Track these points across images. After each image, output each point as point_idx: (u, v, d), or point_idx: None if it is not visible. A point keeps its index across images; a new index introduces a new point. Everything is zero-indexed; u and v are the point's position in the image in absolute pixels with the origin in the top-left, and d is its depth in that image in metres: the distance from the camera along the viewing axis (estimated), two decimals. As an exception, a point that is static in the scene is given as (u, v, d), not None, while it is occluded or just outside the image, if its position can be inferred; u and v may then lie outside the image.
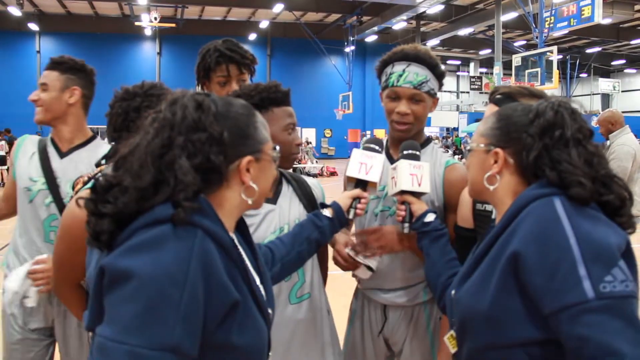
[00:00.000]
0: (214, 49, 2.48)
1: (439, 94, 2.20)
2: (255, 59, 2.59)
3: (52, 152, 2.50)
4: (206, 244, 1.08)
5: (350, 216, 1.87)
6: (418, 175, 1.91)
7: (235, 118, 1.21)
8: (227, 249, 1.14)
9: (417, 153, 1.97)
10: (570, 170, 1.26)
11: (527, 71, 19.16)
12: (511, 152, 1.38)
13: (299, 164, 22.91)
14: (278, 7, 25.16)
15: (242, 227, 1.37)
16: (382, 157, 1.97)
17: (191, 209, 1.07)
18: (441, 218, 2.06)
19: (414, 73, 2.07)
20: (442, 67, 2.17)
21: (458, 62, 41.62)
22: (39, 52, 29.80)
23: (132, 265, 1.01)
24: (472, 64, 40.45)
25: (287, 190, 2.04)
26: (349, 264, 2.05)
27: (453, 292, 1.45)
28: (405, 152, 1.97)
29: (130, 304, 1.00)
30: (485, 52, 35.44)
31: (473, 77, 36.64)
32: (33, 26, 28.57)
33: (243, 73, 2.51)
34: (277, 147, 1.30)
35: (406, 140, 2.03)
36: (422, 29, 30.93)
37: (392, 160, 2.13)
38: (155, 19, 25.85)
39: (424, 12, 25.95)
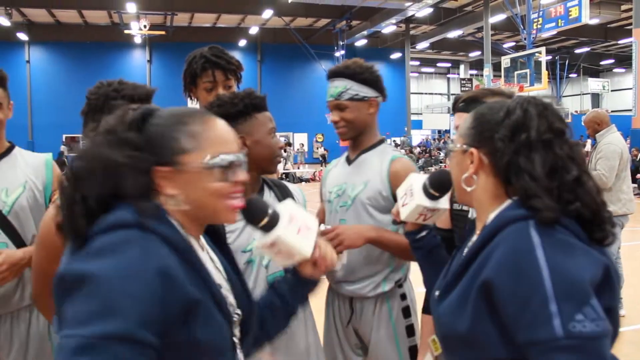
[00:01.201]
0: (199, 56, 2.53)
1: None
2: (241, 66, 2.63)
3: None
4: (161, 248, 1.12)
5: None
6: (408, 195, 1.72)
7: (156, 127, 1.22)
8: (181, 252, 1.16)
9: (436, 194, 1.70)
10: (529, 186, 1.23)
11: (516, 72, 19.32)
12: (485, 151, 1.33)
13: (297, 168, 22.92)
14: (267, 13, 25.22)
15: (215, 232, 1.41)
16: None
17: (149, 214, 1.13)
18: (390, 207, 2.16)
19: (334, 87, 2.40)
20: (369, 73, 2.40)
21: (448, 65, 41.82)
22: (28, 61, 29.72)
23: (89, 268, 1.04)
24: (462, 66, 40.66)
25: (269, 196, 2.10)
26: None
27: (437, 295, 1.41)
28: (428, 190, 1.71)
29: (86, 303, 1.02)
30: (475, 54, 35.64)
31: (463, 79, 36.77)
32: (22, 36, 28.49)
33: (229, 79, 2.55)
34: (209, 156, 1.22)
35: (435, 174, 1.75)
36: (412, 32, 31.07)
37: (349, 161, 2.49)
38: (145, 26, 25.86)
39: (413, 15, 26.08)
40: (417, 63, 38.48)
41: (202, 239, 1.33)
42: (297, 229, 1.43)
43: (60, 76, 28.93)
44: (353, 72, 2.37)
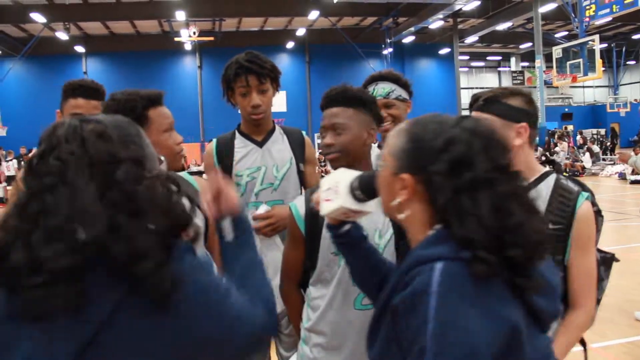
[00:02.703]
0: (234, 62, 2.59)
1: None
2: (277, 69, 2.66)
3: None
4: None
5: None
6: (332, 191, 1.64)
7: (132, 140, 1.18)
8: None
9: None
10: (476, 233, 1.09)
11: (568, 62, 18.82)
12: (420, 179, 1.20)
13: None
14: (314, 14, 25.34)
15: None
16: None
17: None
18: None
19: (381, 88, 2.66)
20: (405, 79, 2.75)
21: (498, 58, 41.07)
22: (85, 73, 30.70)
23: None
24: (512, 59, 39.86)
25: None
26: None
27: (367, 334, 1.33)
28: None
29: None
30: (525, 45, 34.86)
31: (515, 72, 36.13)
32: (79, 48, 29.53)
33: (263, 83, 2.58)
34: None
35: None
36: (460, 26, 30.68)
37: None
38: (194, 33, 26.38)
39: (461, 9, 25.73)
40: (467, 57, 37.94)
41: None
42: None
43: (116, 85, 29.55)
44: (396, 77, 2.71)
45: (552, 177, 1.99)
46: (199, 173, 18.05)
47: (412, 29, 28.54)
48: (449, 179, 1.14)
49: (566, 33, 31.57)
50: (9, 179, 18.20)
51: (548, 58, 23.81)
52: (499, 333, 1.05)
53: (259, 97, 2.57)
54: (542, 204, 1.90)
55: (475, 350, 1.01)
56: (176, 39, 27.64)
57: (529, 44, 32.71)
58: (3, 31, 26.63)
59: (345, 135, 2.04)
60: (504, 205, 1.13)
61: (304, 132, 2.88)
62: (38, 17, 22.61)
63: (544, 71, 23.65)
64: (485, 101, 1.94)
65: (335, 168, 2.06)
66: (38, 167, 1.08)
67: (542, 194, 1.95)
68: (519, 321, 1.09)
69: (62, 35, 26.05)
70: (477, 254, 1.08)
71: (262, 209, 2.49)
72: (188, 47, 30.31)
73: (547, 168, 2.05)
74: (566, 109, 39.54)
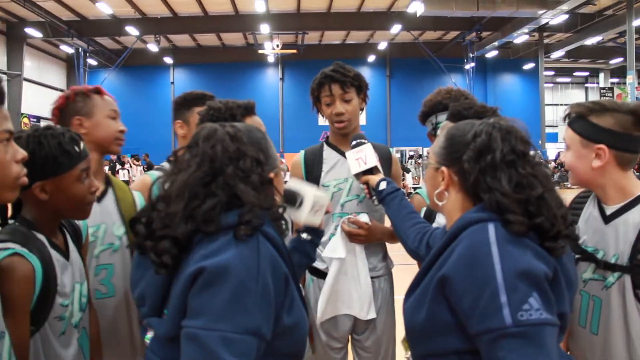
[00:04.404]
0: (320, 73, 2.64)
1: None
2: (361, 78, 2.65)
3: None
4: (266, 244, 1.32)
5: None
6: (362, 156, 2.37)
7: (259, 142, 1.48)
8: (279, 248, 1.37)
9: (361, 141, 2.43)
10: (501, 201, 1.33)
11: (663, 79, 17.88)
12: (455, 170, 1.47)
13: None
14: (396, 28, 25.32)
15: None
16: (369, 145, 2.43)
17: (257, 223, 1.31)
18: None
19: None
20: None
21: (586, 74, 39.49)
22: (172, 83, 31.92)
23: (226, 260, 1.22)
24: (601, 75, 38.26)
25: None
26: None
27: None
28: (352, 144, 2.44)
29: (217, 295, 1.20)
30: (616, 60, 33.42)
31: (603, 88, 34.59)
32: (168, 60, 30.76)
33: (346, 92, 2.58)
34: (285, 160, 1.52)
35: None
36: (545, 41, 29.80)
37: None
38: (278, 46, 26.99)
39: (547, 23, 25.01)
40: (552, 73, 36.73)
41: None
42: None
43: (201, 96, 30.71)
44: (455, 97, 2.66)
45: None
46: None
47: (496, 43, 27.98)
48: (476, 163, 1.40)
49: (661, 48, 30.07)
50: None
51: (640, 74, 22.71)
52: (549, 270, 1.29)
53: (342, 106, 2.59)
54: (632, 232, 1.77)
55: (539, 280, 1.25)
56: (260, 51, 28.33)
57: (620, 59, 31.35)
58: (101, 44, 28.20)
59: None
60: (525, 182, 1.36)
61: (391, 149, 2.88)
62: (132, 30, 23.86)
63: (635, 87, 22.59)
64: (573, 116, 1.89)
65: None
66: (181, 156, 1.42)
67: (630, 220, 1.79)
68: (558, 268, 1.32)
69: (152, 47, 27.32)
70: (508, 217, 1.31)
71: (364, 218, 2.54)
72: (271, 59, 30.93)
73: None
74: (659, 128, 37.44)
